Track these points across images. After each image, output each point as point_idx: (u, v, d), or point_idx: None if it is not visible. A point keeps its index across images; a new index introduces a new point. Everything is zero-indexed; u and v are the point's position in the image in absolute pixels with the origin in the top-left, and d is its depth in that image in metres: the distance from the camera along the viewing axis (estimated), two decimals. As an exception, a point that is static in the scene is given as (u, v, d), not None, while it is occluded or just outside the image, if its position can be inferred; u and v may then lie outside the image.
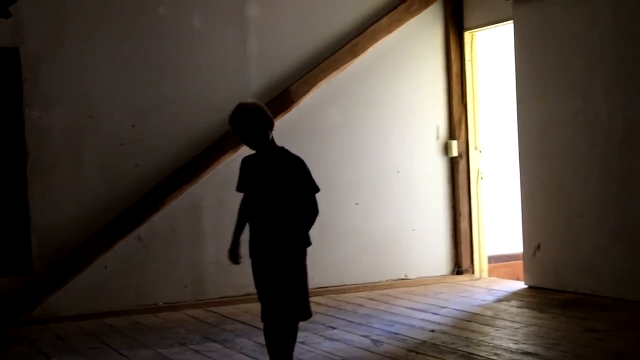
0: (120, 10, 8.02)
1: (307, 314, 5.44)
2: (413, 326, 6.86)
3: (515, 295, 8.11)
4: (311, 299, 8.17)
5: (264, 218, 5.29)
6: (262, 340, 6.53)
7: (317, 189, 5.33)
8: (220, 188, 8.26)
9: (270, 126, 5.31)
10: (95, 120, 7.92)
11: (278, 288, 5.33)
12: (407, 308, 7.63)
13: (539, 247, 8.29)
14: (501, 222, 10.04)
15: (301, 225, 5.30)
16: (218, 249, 8.23)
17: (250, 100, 5.56)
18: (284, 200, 5.25)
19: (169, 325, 7.35)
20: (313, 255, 8.45)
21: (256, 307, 7.96)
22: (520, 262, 8.69)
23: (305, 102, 8.48)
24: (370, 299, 8.17)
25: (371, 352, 6.10)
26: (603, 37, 7.54)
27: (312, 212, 5.32)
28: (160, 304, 8.04)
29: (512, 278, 9.21)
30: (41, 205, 7.75)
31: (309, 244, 5.38)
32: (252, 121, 5.25)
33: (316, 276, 8.47)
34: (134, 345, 6.61)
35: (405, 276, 8.90)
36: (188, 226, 8.21)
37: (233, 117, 5.31)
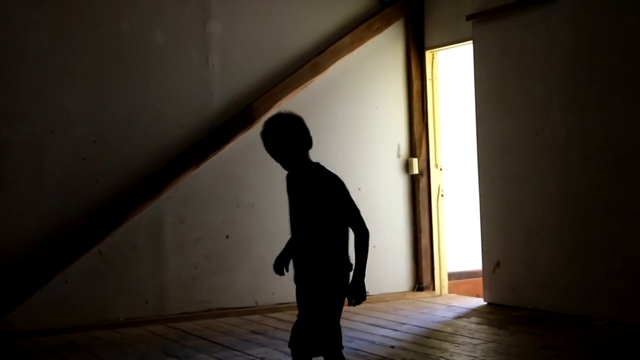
0: (82, 25, 8.00)
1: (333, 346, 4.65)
2: (373, 342, 6.89)
3: (475, 312, 8.17)
4: (272, 314, 8.29)
5: (294, 240, 4.74)
6: (222, 355, 6.57)
7: (356, 209, 4.57)
8: (181, 204, 8.27)
9: (308, 145, 4.61)
10: (56, 135, 7.89)
11: (305, 317, 4.68)
12: (368, 324, 7.66)
13: (498, 264, 8.36)
14: (461, 240, 10.12)
15: (357, 249, 4.54)
16: (179, 265, 8.26)
17: (288, 111, 4.77)
18: (312, 224, 4.59)
19: (129, 341, 7.32)
20: (268, 274, 8.54)
21: (217, 322, 8.02)
22: (480, 279, 8.75)
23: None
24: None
25: (331, 368, 6.12)
26: (561, 58, 7.64)
27: (361, 234, 4.55)
28: (120, 319, 8.01)
29: (472, 295, 9.27)
30: (1, 220, 7.70)
31: (350, 268, 4.61)
32: (288, 139, 4.54)
33: (277, 292, 8.53)
34: (94, 361, 6.60)
35: (367, 292, 8.91)
36: (149, 242, 8.19)
37: (266, 131, 4.58)
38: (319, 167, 4.64)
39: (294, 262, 4.75)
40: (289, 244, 4.84)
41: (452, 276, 9.64)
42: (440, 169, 9.38)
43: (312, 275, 4.61)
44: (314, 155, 4.64)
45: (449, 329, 7.35)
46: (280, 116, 4.63)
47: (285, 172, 4.73)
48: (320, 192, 4.56)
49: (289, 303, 8.54)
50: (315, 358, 4.71)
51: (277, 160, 4.61)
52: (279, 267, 4.87)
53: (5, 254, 7.70)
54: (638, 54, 7.00)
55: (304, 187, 4.62)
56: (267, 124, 4.58)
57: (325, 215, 4.55)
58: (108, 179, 8.04)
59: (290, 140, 4.54)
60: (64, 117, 7.92)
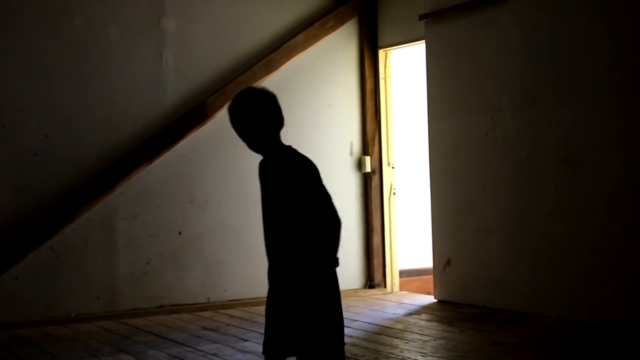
0: (35, 19, 7.95)
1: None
2: (324, 339, 6.92)
3: (426, 309, 8.24)
4: (224, 311, 8.30)
5: (266, 237, 4.16)
6: (174, 351, 6.58)
7: (327, 196, 4.15)
8: (134, 200, 8.26)
9: (280, 124, 4.22)
10: (7, 129, 7.84)
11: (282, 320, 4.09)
12: (319, 321, 7.69)
13: (449, 262, 8.44)
14: (413, 237, 10.19)
15: (322, 242, 4.07)
16: (131, 261, 8.25)
17: (261, 86, 4.40)
18: (287, 217, 4.07)
19: (80, 336, 7.30)
20: (226, 268, 8.56)
21: (169, 318, 8.03)
22: (431, 276, 8.82)
23: (221, 116, 8.49)
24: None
25: (283, 364, 6.15)
26: (511, 58, 7.73)
27: (331, 222, 4.12)
28: (72, 315, 7.98)
29: (423, 292, 9.34)
30: (-49, 215, 7.66)
31: (335, 264, 4.15)
32: (258, 115, 4.10)
33: (229, 289, 8.55)
34: (44, 357, 6.56)
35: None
36: (101, 238, 8.17)
37: (235, 106, 4.13)
38: (291, 151, 4.20)
39: (270, 263, 4.17)
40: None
41: (403, 274, 9.70)
42: (393, 167, 9.44)
43: (294, 278, 4.05)
44: None
45: (400, 326, 7.41)
46: (251, 90, 4.22)
47: (256, 160, 4.28)
48: (293, 180, 4.10)
49: (240, 299, 8.58)
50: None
51: (244, 139, 4.13)
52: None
53: (-45, 249, 7.65)
54: (587, 54, 7.10)
55: (275, 174, 4.15)
56: (237, 97, 4.16)
57: (301, 207, 4.06)
58: (60, 175, 8.00)
59: (260, 116, 4.10)
60: (15, 111, 7.87)
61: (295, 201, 4.07)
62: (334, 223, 4.14)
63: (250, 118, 4.10)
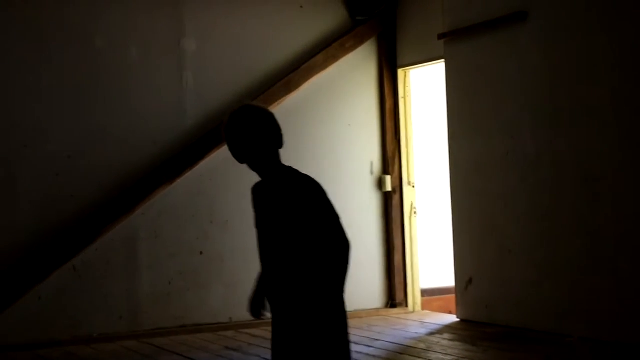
0: (57, 39, 8.02)
1: None
2: (347, 358, 6.91)
3: (448, 328, 8.21)
4: (246, 330, 8.29)
5: (267, 268, 3.93)
6: (197, 371, 6.59)
7: (335, 216, 3.86)
8: (155, 220, 8.29)
9: (278, 143, 3.91)
10: (29, 149, 7.89)
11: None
12: (341, 340, 7.67)
13: (470, 281, 8.41)
14: (434, 256, 10.17)
15: (329, 267, 3.78)
16: (153, 281, 8.26)
17: (257, 103, 4.21)
18: (289, 244, 3.82)
19: (103, 356, 7.32)
20: (247, 288, 8.55)
21: (191, 338, 8.02)
22: (453, 296, 8.80)
23: (242, 136, 8.51)
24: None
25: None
26: (531, 77, 7.72)
27: (337, 246, 3.80)
28: (94, 335, 8.00)
29: (444, 311, 9.31)
30: (-26, 236, 7.70)
31: (340, 291, 3.81)
32: (255, 134, 3.85)
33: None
34: (68, 377, 6.59)
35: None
36: (123, 257, 8.19)
37: (231, 124, 3.89)
38: (291, 172, 3.92)
39: (268, 297, 3.94)
40: (261, 276, 4.02)
41: (425, 293, 9.67)
42: (413, 186, 9.44)
43: (299, 312, 3.78)
44: None
45: (422, 346, 7.39)
46: (247, 107, 3.95)
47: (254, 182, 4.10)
48: (295, 203, 3.83)
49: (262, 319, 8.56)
50: None
51: (241, 160, 3.93)
52: (256, 308, 4.02)
53: (-22, 269, 7.68)
54: (607, 73, 7.08)
55: (274, 198, 3.90)
56: (233, 115, 3.90)
57: (305, 232, 3.78)
58: (82, 195, 8.04)
59: (257, 134, 3.84)
60: (38, 131, 7.92)
61: (300, 223, 3.81)
62: (342, 245, 3.81)
63: (246, 136, 3.85)
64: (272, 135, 3.88)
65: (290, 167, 3.95)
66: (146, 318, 8.23)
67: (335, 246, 3.79)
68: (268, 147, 3.88)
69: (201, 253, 8.48)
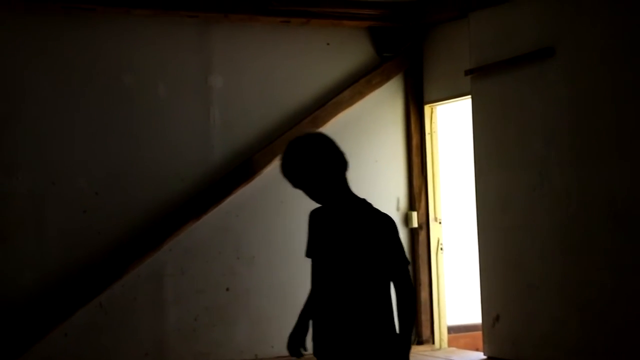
0: (84, 76, 8.08)
1: None
2: (373, 395, 6.86)
3: (475, 365, 8.17)
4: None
5: (326, 302, 3.67)
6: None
7: (406, 261, 3.69)
8: (182, 256, 8.30)
9: (344, 167, 3.81)
10: (57, 186, 7.94)
11: None
12: (367, 378, 7.63)
13: (497, 317, 8.35)
14: (461, 293, 10.11)
15: (401, 314, 3.57)
16: (179, 317, 8.26)
17: (312, 130, 4.00)
18: (357, 279, 3.59)
19: (128, 393, 7.31)
20: (273, 324, 8.52)
21: (217, 375, 8.00)
22: (480, 332, 8.73)
23: (268, 172, 8.55)
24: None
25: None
26: (559, 113, 7.70)
27: (407, 295, 3.62)
28: (120, 372, 8.01)
29: (471, 348, 9.25)
30: (0, 271, 7.72)
31: (408, 346, 3.57)
32: (311, 162, 3.69)
33: (276, 345, 8.50)
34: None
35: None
36: (149, 294, 8.20)
37: (295, 151, 3.74)
38: (365, 204, 3.78)
39: (320, 331, 3.69)
40: (305, 311, 3.85)
41: (451, 330, 9.62)
42: (440, 223, 9.40)
43: (358, 351, 3.54)
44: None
45: (449, 382, 7.35)
46: (308, 135, 3.83)
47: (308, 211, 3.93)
48: (370, 237, 3.61)
49: (288, 356, 8.52)
50: None
51: (308, 189, 3.72)
52: (295, 345, 3.85)
53: (5, 306, 7.71)
54: (634, 106, 7.05)
55: (346, 227, 3.67)
56: (293, 144, 3.76)
57: (376, 270, 3.58)
58: (109, 232, 8.06)
59: (324, 160, 3.70)
60: (65, 168, 7.97)
61: (372, 260, 3.57)
62: (411, 292, 3.61)
63: (310, 162, 3.69)
64: (335, 157, 3.78)
65: (364, 199, 3.82)
66: (172, 354, 8.22)
67: (404, 292, 3.60)
68: (335, 171, 3.75)
69: (227, 289, 8.48)
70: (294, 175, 3.70)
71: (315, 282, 3.72)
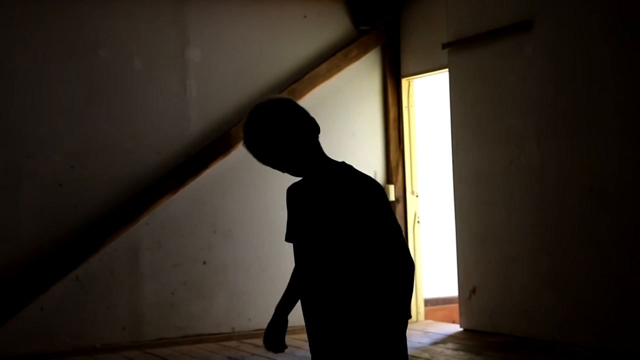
0: (60, 50, 8.03)
1: None
2: (350, 368, 6.88)
3: (452, 338, 8.19)
4: (249, 340, 8.26)
5: (314, 285, 3.26)
6: (199, 382, 6.56)
7: (400, 230, 3.21)
8: (158, 230, 8.28)
9: (315, 130, 3.27)
10: (33, 160, 7.89)
11: None
12: (344, 351, 7.65)
13: (474, 290, 8.40)
14: (438, 266, 10.15)
15: (398, 289, 3.15)
16: (156, 291, 8.25)
17: (274, 96, 3.38)
18: (346, 255, 3.17)
19: (105, 367, 7.32)
20: (250, 298, 8.54)
21: (194, 348, 8.01)
22: (457, 305, 8.78)
23: (245, 146, 8.50)
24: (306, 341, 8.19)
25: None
26: (535, 86, 7.72)
27: (406, 268, 3.16)
28: (97, 346, 7.99)
29: (448, 321, 9.29)
30: (-23, 246, 7.70)
31: (407, 317, 3.21)
32: (279, 128, 3.18)
33: (253, 318, 8.51)
34: (70, 388, 6.58)
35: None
36: (126, 268, 8.19)
37: (257, 120, 3.24)
38: (347, 168, 3.31)
39: (314, 323, 3.31)
40: (285, 303, 3.43)
41: (428, 302, 9.65)
42: (417, 196, 9.42)
43: (358, 339, 3.17)
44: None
45: (426, 355, 7.37)
46: (270, 101, 3.29)
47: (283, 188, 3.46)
48: (357, 207, 3.17)
49: (264, 330, 8.53)
50: None
51: (280, 161, 3.23)
52: (274, 341, 3.43)
53: (-19, 279, 7.68)
54: (612, 82, 7.08)
55: (329, 201, 3.21)
56: (256, 112, 3.26)
57: (367, 245, 3.16)
58: (85, 205, 8.04)
59: (292, 124, 3.20)
60: (41, 143, 7.93)
61: (361, 234, 3.16)
62: (407, 265, 3.16)
63: (278, 128, 3.19)
64: (308, 121, 3.25)
65: (343, 162, 3.34)
66: (149, 328, 8.22)
67: (400, 265, 3.16)
68: (307, 135, 3.23)
69: (204, 263, 8.47)
70: (261, 145, 3.21)
71: (300, 268, 3.31)
